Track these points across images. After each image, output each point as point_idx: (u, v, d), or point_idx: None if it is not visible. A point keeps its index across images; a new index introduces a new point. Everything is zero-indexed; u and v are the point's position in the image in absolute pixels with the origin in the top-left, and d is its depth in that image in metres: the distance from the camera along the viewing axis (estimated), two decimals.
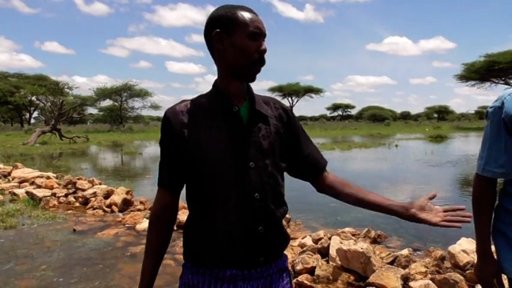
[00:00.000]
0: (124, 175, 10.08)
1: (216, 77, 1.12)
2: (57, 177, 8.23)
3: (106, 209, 5.85)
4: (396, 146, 18.92)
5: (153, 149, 19.19)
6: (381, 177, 9.34)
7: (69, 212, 5.89)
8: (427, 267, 3.02)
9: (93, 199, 6.20)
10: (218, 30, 1.04)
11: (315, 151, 1.23)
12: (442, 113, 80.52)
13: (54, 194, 6.63)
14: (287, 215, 1.25)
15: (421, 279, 2.84)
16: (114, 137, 28.73)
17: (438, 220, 1.07)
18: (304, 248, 3.64)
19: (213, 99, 1.09)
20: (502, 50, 40.97)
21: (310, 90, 68.56)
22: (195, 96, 1.14)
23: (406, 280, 2.89)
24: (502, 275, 1.27)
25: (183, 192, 1.15)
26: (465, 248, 3.16)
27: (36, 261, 3.75)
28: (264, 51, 1.05)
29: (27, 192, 6.78)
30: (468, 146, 18.32)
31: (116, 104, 51.04)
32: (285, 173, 1.19)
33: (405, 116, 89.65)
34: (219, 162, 1.03)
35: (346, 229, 4.29)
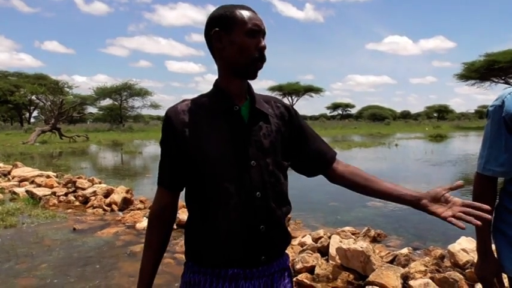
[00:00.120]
0: (124, 174, 10.08)
1: (216, 77, 1.12)
2: (57, 176, 8.23)
3: (106, 208, 5.85)
4: (396, 145, 18.93)
5: (153, 148, 19.20)
6: (381, 176, 9.20)
7: (69, 210, 5.89)
8: (427, 266, 3.03)
9: (93, 198, 6.20)
10: (217, 29, 1.05)
11: (322, 144, 1.21)
12: (442, 113, 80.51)
13: (54, 193, 6.64)
14: None
15: (421, 278, 2.85)
16: (114, 136, 28.73)
17: (448, 215, 0.98)
18: (304, 247, 3.65)
19: (214, 98, 1.09)
20: (502, 50, 41.03)
21: (310, 90, 68.57)
22: (195, 95, 1.14)
23: (405, 279, 2.89)
24: (502, 274, 1.27)
25: (183, 192, 1.15)
26: (465, 247, 3.17)
27: (36, 260, 3.75)
28: (263, 48, 1.05)
29: (27, 191, 6.78)
30: (468, 146, 18.33)
31: (116, 103, 51.05)
32: (290, 171, 1.18)
33: (405, 116, 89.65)
34: (219, 161, 1.04)
35: (346, 228, 4.30)
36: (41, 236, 4.53)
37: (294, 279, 3.04)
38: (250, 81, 1.13)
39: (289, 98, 67.31)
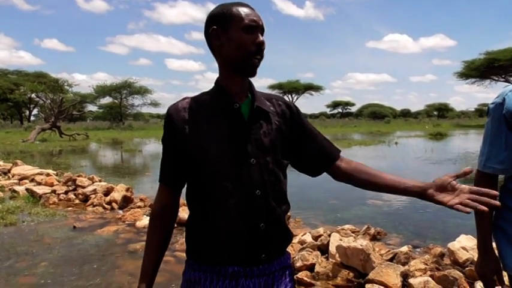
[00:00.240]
0: (124, 172, 10.08)
1: (216, 75, 1.13)
2: (57, 175, 8.24)
3: (106, 206, 5.86)
4: (396, 143, 18.93)
5: (152, 147, 19.20)
6: None
7: (69, 209, 5.90)
8: (427, 264, 3.03)
9: (93, 196, 6.21)
10: (215, 27, 1.06)
11: (325, 142, 1.20)
12: (442, 111, 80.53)
13: (54, 191, 6.63)
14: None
15: (421, 276, 2.85)
16: (113, 135, 28.74)
17: (454, 202, 0.95)
18: (304, 245, 3.65)
19: (215, 96, 1.09)
20: (502, 48, 41.04)
21: (310, 88, 68.57)
22: (195, 93, 1.14)
23: (405, 277, 2.89)
24: (503, 271, 1.27)
25: (184, 190, 1.15)
26: (464, 245, 3.17)
27: (36, 258, 3.76)
28: (261, 43, 1.04)
29: (27, 189, 6.78)
30: (468, 144, 18.34)
31: (116, 101, 51.07)
32: (290, 170, 1.18)
33: (405, 114, 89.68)
34: (219, 159, 1.04)
35: (346, 226, 4.30)
36: (41, 234, 4.53)
37: (294, 277, 3.04)
38: (251, 79, 1.12)
39: (289, 96, 67.29)
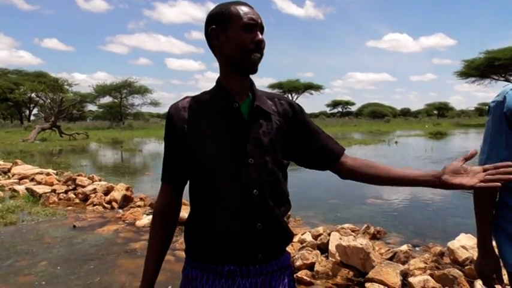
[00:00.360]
0: (124, 172, 10.08)
1: (216, 74, 1.13)
2: (57, 174, 8.23)
3: (106, 205, 5.86)
4: (396, 142, 18.93)
5: (152, 146, 19.20)
6: None
7: (69, 208, 5.90)
8: (426, 263, 3.03)
9: (93, 195, 6.21)
10: (214, 26, 1.06)
11: (328, 140, 1.18)
12: (442, 110, 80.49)
13: (54, 191, 6.63)
14: None
15: (420, 275, 2.85)
16: (113, 134, 28.73)
17: (475, 182, 0.95)
18: (304, 244, 3.65)
19: (215, 95, 1.10)
20: (502, 47, 41.04)
21: (310, 87, 68.56)
22: (195, 93, 1.15)
23: (405, 276, 2.89)
24: (502, 270, 1.27)
25: (187, 189, 1.15)
26: (464, 244, 3.17)
27: (37, 258, 3.76)
28: (260, 41, 1.04)
29: (27, 189, 6.78)
30: (468, 143, 18.33)
31: (116, 100, 51.07)
32: (290, 169, 1.18)
33: (405, 113, 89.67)
34: (217, 158, 1.04)
35: (346, 225, 4.30)
36: (41, 234, 4.53)
37: (294, 276, 3.05)
38: (253, 79, 1.12)
39: (289, 95, 67.21)
